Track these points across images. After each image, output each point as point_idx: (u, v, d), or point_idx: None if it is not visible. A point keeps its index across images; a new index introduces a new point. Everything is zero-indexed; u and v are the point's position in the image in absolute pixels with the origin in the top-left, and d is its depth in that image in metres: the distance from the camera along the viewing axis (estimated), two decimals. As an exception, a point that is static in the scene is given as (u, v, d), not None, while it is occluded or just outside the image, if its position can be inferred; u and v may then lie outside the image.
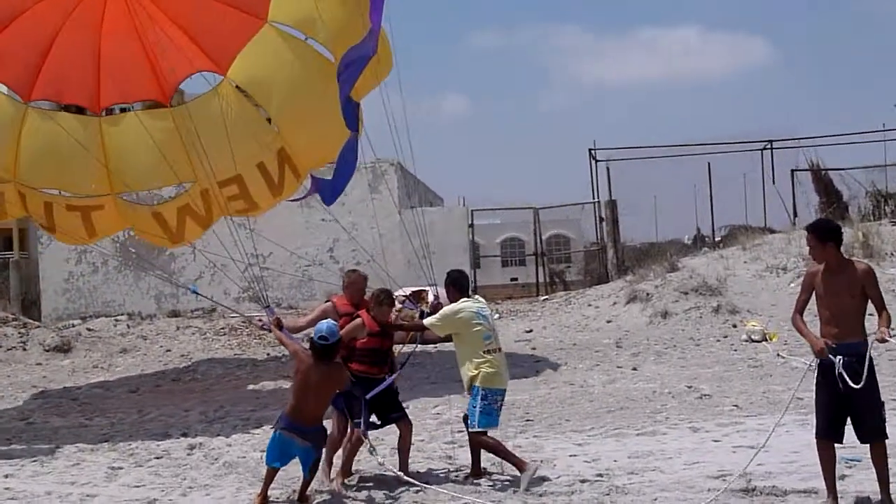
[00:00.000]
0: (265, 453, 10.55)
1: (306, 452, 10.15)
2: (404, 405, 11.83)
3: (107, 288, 34.47)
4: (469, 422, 10.89)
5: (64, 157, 16.97)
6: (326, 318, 11.07)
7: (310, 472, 10.23)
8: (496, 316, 28.04)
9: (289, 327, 11.56)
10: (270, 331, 11.59)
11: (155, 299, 33.99)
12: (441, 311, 11.01)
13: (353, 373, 10.89)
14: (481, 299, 11.50)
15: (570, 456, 11.77)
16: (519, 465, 10.56)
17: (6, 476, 12.38)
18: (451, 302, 11.12)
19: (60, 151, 16.88)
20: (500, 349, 11.02)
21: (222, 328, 28.22)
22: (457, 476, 11.20)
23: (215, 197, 17.21)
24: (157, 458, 13.08)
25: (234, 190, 17.27)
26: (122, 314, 31.91)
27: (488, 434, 10.80)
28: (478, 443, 10.86)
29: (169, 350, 26.00)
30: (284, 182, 17.53)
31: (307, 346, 10.48)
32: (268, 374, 21.15)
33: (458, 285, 11.22)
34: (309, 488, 10.37)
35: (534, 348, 22.30)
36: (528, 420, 14.29)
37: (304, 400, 10.20)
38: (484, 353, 10.76)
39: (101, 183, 17.63)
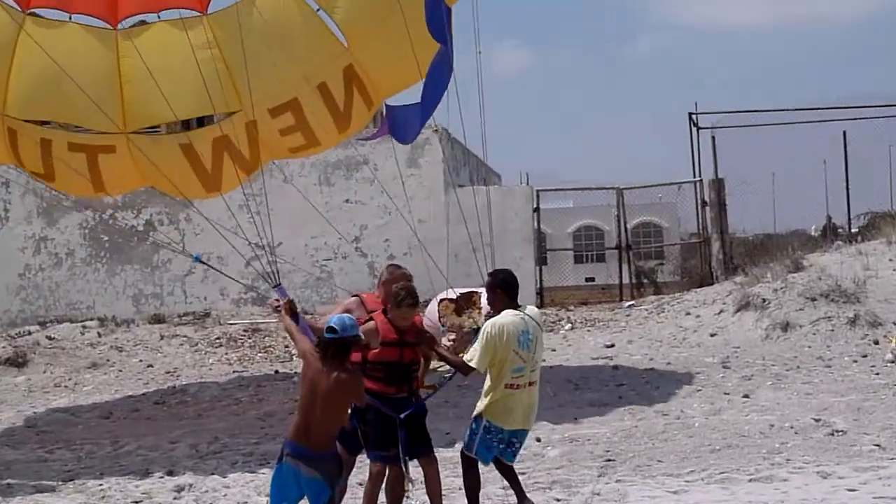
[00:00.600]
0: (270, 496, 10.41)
1: (315, 486, 9.79)
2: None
3: (72, 285, 34.66)
4: (465, 443, 11.34)
5: (69, 81, 16.21)
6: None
7: None
8: (567, 326, 28.02)
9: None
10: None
11: (133, 300, 34.13)
12: (480, 338, 11.04)
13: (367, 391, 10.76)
14: (532, 311, 11.56)
15: (664, 507, 11.71)
16: None
17: (-56, 523, 12.48)
18: (496, 311, 11.25)
19: (66, 73, 16.11)
20: (531, 384, 11.22)
21: (218, 338, 28.36)
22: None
23: (264, 132, 17.00)
24: (136, 502, 13.13)
25: (288, 120, 17.11)
26: (91, 319, 32.13)
27: (478, 467, 11.32)
28: (465, 462, 11.34)
29: (151, 365, 26.14)
30: (353, 110, 17.21)
31: None
32: (276, 397, 21.21)
33: (508, 290, 11.30)
34: None
35: (616, 368, 22.20)
36: (608, 460, 14.21)
37: (310, 415, 9.85)
38: (506, 387, 11.01)
39: (114, 115, 17.10)
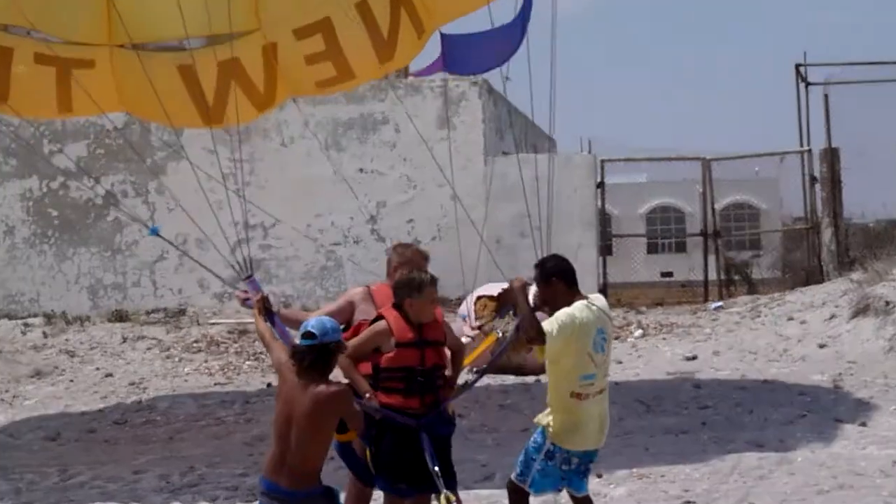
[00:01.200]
0: None
1: None
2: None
3: (12, 272, 34.84)
4: (519, 469, 11.11)
5: None
6: (353, 314, 11.27)
7: None
8: (637, 332, 28.17)
9: (286, 317, 11.48)
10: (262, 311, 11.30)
11: (89, 292, 34.31)
12: (557, 316, 10.82)
13: (383, 406, 10.76)
14: (601, 301, 11.38)
15: (758, 566, 11.77)
16: None
17: None
18: (554, 308, 10.99)
19: None
20: (601, 391, 11.08)
21: (196, 341, 28.50)
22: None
23: (286, 58, 16.96)
24: (89, 550, 13.21)
25: (317, 44, 16.88)
26: (35, 315, 32.31)
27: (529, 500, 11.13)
28: (512, 498, 11.15)
29: (110, 374, 26.30)
30: (399, 38, 17.00)
31: None
32: (268, 417, 21.16)
33: (566, 276, 11.13)
34: None
35: (698, 386, 22.23)
36: (687, 501, 14.25)
37: (285, 443, 9.77)
38: (572, 395, 10.84)
39: (98, 24, 16.93)
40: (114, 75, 17.64)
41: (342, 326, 11.06)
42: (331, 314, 11.05)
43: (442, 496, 10.47)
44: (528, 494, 11.05)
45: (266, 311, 11.18)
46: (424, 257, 11.75)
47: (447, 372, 11.18)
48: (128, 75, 17.47)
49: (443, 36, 18.05)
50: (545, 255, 11.68)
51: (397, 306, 10.86)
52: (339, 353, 9.94)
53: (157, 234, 14.33)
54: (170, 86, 17.35)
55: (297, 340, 9.81)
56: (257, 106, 17.96)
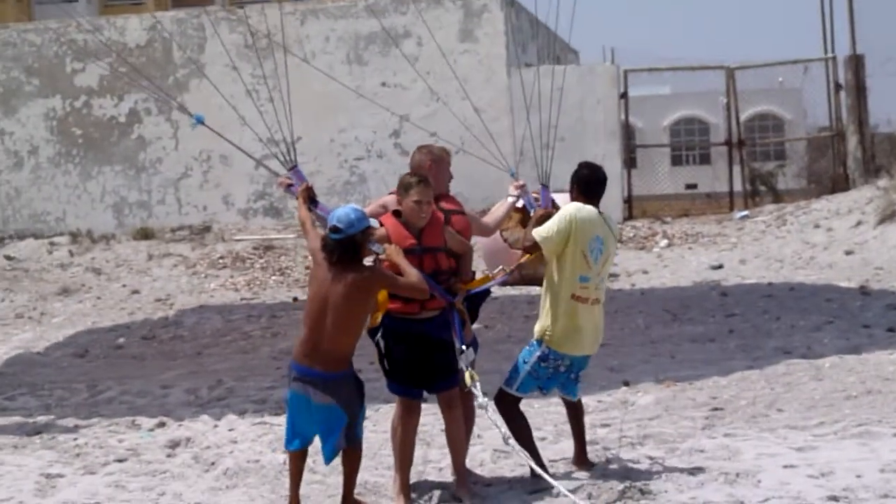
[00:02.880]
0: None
1: (327, 415, 10.08)
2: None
3: (37, 192, 34.90)
4: (508, 375, 11.30)
5: None
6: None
7: (343, 453, 10.31)
8: (662, 243, 28.11)
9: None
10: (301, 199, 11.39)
11: (114, 210, 34.35)
12: (557, 214, 11.06)
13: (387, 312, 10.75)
14: (609, 218, 11.46)
15: (785, 467, 11.66)
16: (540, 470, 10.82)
17: None
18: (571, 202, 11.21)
19: None
20: (597, 301, 11.20)
21: (221, 257, 28.53)
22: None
23: None
24: (120, 460, 13.10)
25: None
26: (61, 234, 32.35)
27: (520, 405, 11.32)
28: (502, 408, 11.21)
29: (137, 291, 26.38)
30: None
31: None
32: (294, 330, 21.19)
33: (587, 191, 11.25)
34: (354, 491, 10.47)
35: (725, 294, 22.18)
36: (715, 409, 14.18)
37: (319, 328, 10.09)
38: (573, 297, 10.97)
39: None
40: None
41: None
42: (374, 214, 11.04)
43: (467, 374, 10.59)
44: (515, 399, 11.22)
45: (310, 199, 11.30)
46: (440, 156, 11.56)
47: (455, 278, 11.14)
48: None
49: None
50: (568, 167, 11.78)
51: (398, 213, 10.86)
52: (369, 239, 10.13)
53: (202, 123, 14.31)
54: None
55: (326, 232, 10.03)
56: None
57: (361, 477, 10.78)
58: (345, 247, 9.94)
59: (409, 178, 10.74)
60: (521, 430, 11.14)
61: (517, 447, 10.77)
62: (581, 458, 11.65)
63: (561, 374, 11.18)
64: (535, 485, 10.98)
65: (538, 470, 10.76)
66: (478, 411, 11.02)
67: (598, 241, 11.01)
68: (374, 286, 10.13)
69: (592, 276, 11.03)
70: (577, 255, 10.89)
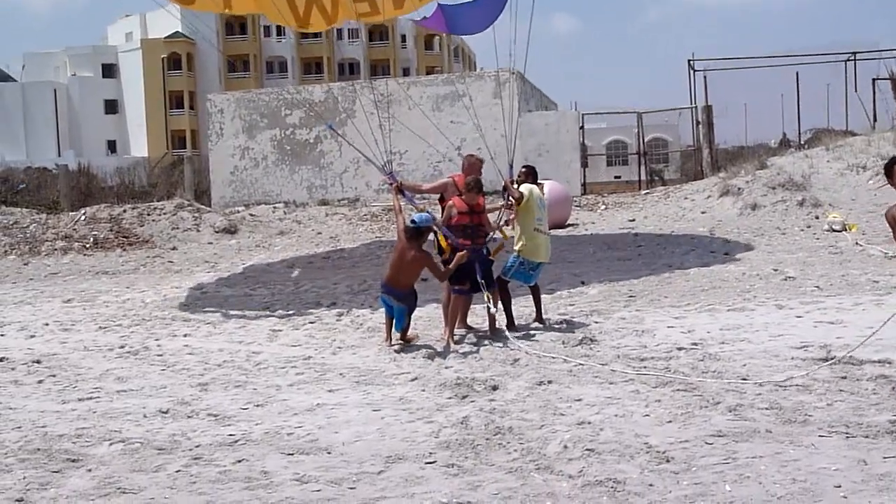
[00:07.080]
0: None
1: (399, 311, 10.91)
2: None
3: (266, 180, 35.06)
4: (503, 270, 11.80)
5: None
6: (447, 190, 12.09)
7: (403, 327, 11.03)
8: (602, 207, 27.83)
9: (410, 187, 12.69)
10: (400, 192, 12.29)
11: (307, 189, 34.44)
12: (524, 186, 11.85)
13: (462, 247, 11.23)
14: (543, 190, 12.32)
15: (669, 327, 11.60)
16: (506, 322, 11.65)
17: (185, 335, 12.68)
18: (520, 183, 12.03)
19: None
20: (546, 233, 11.94)
21: (365, 215, 28.49)
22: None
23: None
24: (311, 323, 13.19)
25: None
26: (279, 202, 32.43)
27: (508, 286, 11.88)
28: (499, 284, 11.71)
29: (319, 233, 26.36)
30: None
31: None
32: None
33: (533, 173, 12.20)
34: (410, 332, 11.22)
35: (636, 235, 22.01)
36: (631, 296, 14.11)
37: (396, 273, 10.92)
38: (535, 230, 11.72)
39: None
40: None
41: (438, 196, 12.54)
42: (434, 188, 12.59)
43: (485, 294, 11.26)
44: (505, 281, 11.84)
45: (399, 191, 12.22)
46: (481, 161, 12.33)
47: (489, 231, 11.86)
48: None
49: (440, 5, 17.41)
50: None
51: (460, 194, 11.65)
52: (429, 232, 11.08)
53: (332, 129, 14.42)
54: (280, 4, 17.04)
55: (409, 221, 10.93)
56: (327, 22, 17.77)
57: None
58: (414, 233, 10.81)
59: (472, 183, 11.50)
60: (506, 298, 11.87)
61: (503, 324, 11.59)
62: (538, 318, 12.09)
63: (527, 271, 11.82)
64: (508, 332, 11.33)
65: (509, 335, 11.07)
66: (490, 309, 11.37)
67: (541, 201, 11.85)
68: (424, 263, 10.91)
69: (543, 218, 11.86)
70: (535, 205, 11.66)
